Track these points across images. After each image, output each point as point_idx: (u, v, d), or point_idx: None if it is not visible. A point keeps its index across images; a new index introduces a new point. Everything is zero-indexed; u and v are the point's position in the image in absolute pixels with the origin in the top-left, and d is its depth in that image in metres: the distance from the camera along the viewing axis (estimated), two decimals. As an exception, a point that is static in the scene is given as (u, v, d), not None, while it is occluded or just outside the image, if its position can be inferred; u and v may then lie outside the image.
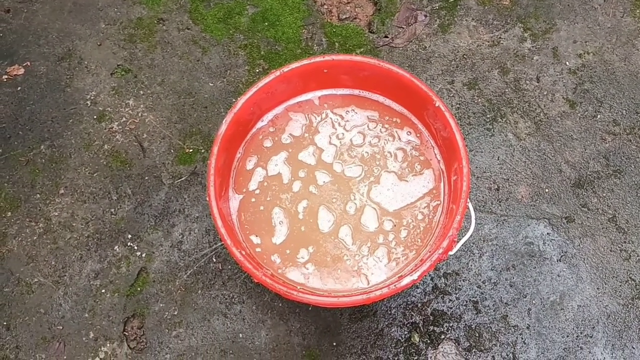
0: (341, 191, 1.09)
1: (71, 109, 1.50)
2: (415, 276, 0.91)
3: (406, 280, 0.91)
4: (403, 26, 1.58)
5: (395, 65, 1.07)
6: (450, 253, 0.95)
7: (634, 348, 1.27)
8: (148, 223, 1.38)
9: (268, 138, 1.14)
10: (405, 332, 1.29)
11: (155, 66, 1.55)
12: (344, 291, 1.00)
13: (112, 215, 1.39)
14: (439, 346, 1.27)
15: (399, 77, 1.06)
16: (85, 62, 1.56)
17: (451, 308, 1.31)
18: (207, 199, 0.98)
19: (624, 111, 1.48)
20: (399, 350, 1.27)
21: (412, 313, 1.30)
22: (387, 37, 1.57)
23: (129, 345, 1.28)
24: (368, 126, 1.15)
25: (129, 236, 1.37)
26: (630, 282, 1.32)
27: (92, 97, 1.51)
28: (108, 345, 1.29)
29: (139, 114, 1.49)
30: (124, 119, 1.49)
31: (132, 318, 1.31)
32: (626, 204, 1.39)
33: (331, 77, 1.13)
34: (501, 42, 1.57)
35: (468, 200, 0.98)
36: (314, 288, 1.01)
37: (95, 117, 1.49)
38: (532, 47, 1.56)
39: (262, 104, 1.11)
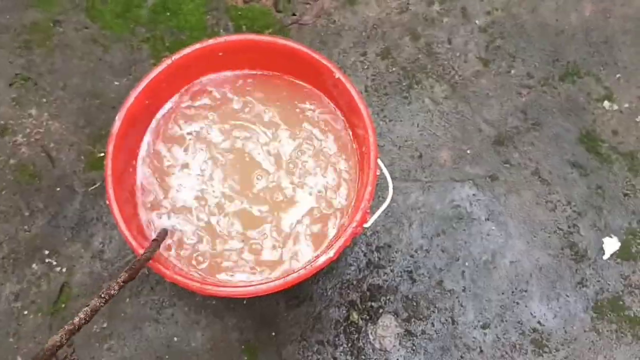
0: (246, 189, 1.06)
1: (-30, 126, 1.41)
2: (331, 254, 0.88)
3: (322, 259, 0.88)
4: (310, 2, 1.54)
5: (292, 40, 1.03)
6: (366, 225, 0.93)
7: (568, 296, 1.28)
8: (65, 236, 1.31)
9: (172, 130, 1.09)
10: (344, 312, 1.27)
11: (55, 71, 1.46)
12: (260, 279, 0.96)
13: (26, 232, 1.31)
14: (378, 320, 1.26)
15: (296, 53, 1.02)
16: (-19, 75, 1.47)
17: (387, 281, 1.29)
18: (107, 202, 0.92)
19: (537, 63, 1.49)
20: (339, 330, 1.25)
21: (349, 291, 1.28)
22: (294, 15, 1.53)
23: (59, 365, 1.22)
24: (266, 110, 1.11)
25: (46, 252, 1.30)
26: (558, 232, 1.33)
27: (-9, 112, 1.43)
28: (37, 368, 1.22)
29: (44, 123, 1.41)
30: (28, 130, 1.40)
31: (60, 336, 1.25)
32: (547, 156, 1.39)
33: (230, 61, 1.08)
34: (409, 7, 1.55)
35: (380, 170, 0.95)
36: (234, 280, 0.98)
37: (-4, 131, 1.41)
38: (441, 9, 1.54)
39: (159, 95, 1.05)
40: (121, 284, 0.78)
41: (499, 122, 1.42)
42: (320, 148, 1.08)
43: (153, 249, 0.88)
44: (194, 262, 1.00)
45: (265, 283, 0.88)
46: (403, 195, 1.35)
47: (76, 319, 0.69)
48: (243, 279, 0.99)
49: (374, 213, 0.97)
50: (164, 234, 0.96)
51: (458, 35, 1.51)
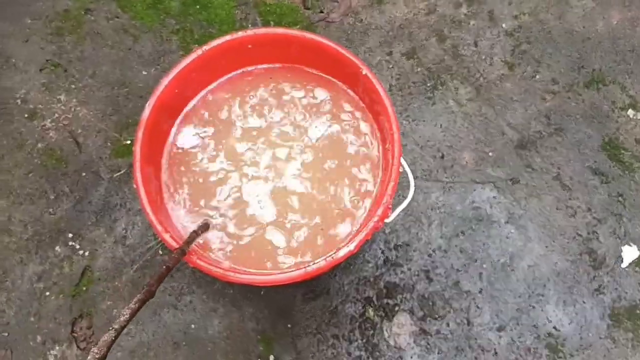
0: (276, 174, 1.07)
1: (0, 109, 1.44)
2: (352, 246, 0.89)
3: (343, 251, 0.89)
4: (338, 0, 1.56)
5: (320, 35, 1.04)
6: (387, 221, 0.94)
7: (584, 302, 1.28)
8: (89, 220, 1.33)
9: (199, 121, 1.10)
10: (360, 308, 1.28)
11: (85, 58, 1.49)
12: (280, 268, 0.98)
13: (51, 215, 1.34)
14: (394, 318, 1.27)
15: (325, 48, 1.04)
16: (13, 60, 1.50)
17: (403, 279, 1.30)
18: (135, 185, 0.94)
19: (562, 69, 1.49)
20: (354, 326, 1.26)
21: (365, 288, 1.29)
22: (322, 12, 1.54)
23: (78, 346, 1.25)
24: (296, 102, 1.12)
25: (70, 235, 1.32)
26: (577, 237, 1.33)
27: (21, 96, 1.45)
28: (57, 348, 1.25)
29: (72, 109, 1.44)
30: (56, 115, 1.43)
31: (80, 318, 1.27)
32: (569, 161, 1.39)
33: (258, 54, 1.10)
34: (437, 9, 1.55)
35: (402, 166, 0.96)
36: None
37: (26, 115, 1.43)
38: (468, 11, 1.55)
39: (188, 85, 1.07)
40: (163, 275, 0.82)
41: (522, 126, 1.42)
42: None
43: (193, 238, 0.91)
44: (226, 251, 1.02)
45: (287, 272, 0.89)
46: (423, 194, 1.36)
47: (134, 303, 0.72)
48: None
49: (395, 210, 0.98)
50: (205, 226, 0.98)
51: (484, 38, 1.52)
